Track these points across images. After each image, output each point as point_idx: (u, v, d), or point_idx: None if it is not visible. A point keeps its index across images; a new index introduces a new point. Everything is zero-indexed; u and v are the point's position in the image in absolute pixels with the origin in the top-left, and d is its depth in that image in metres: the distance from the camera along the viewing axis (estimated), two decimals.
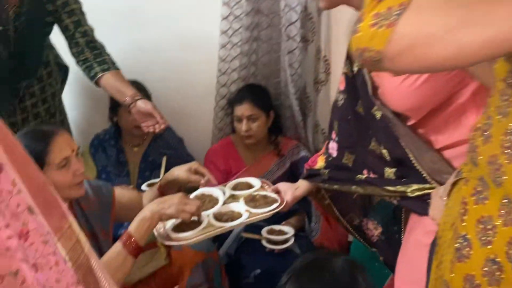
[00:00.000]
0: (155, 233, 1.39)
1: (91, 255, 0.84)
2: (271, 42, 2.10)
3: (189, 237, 1.37)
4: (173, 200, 1.34)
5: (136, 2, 2.26)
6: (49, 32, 1.82)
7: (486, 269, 0.71)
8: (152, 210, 1.32)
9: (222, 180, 2.03)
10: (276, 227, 1.96)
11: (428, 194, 1.12)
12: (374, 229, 1.55)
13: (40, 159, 1.28)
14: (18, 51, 1.71)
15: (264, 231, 1.91)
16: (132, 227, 1.31)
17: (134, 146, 2.19)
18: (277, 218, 1.95)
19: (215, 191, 1.58)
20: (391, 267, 1.53)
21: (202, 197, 1.54)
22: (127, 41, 2.30)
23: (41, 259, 0.65)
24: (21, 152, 0.72)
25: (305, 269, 0.96)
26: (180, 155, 2.24)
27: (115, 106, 2.08)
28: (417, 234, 1.18)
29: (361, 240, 1.60)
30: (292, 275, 0.96)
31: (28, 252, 0.62)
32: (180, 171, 1.56)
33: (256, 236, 1.92)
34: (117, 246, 1.29)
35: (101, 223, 1.52)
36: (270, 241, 1.88)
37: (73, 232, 0.79)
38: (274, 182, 2.04)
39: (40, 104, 1.87)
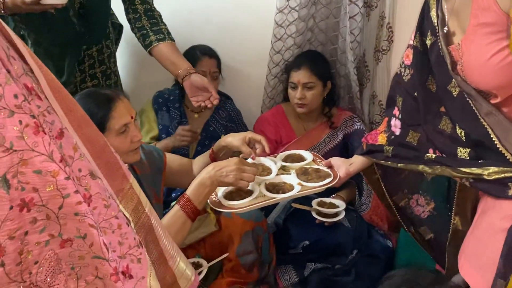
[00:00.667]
0: (208, 201, 1.39)
1: (151, 214, 0.84)
2: (331, 6, 1.99)
3: (241, 205, 1.37)
4: (231, 167, 1.32)
5: None
6: None
7: None
8: (211, 177, 1.31)
9: (272, 149, 2.00)
10: (327, 199, 1.92)
11: (509, 177, 1.03)
12: (426, 205, 1.50)
13: (101, 125, 1.29)
14: (86, 14, 1.72)
15: (314, 203, 1.87)
16: (190, 191, 1.31)
17: (195, 112, 2.16)
18: (327, 190, 1.90)
19: (266, 161, 1.55)
20: (438, 249, 1.49)
21: (254, 166, 1.51)
22: (179, 2, 2.26)
23: (104, 223, 0.65)
24: (82, 113, 0.71)
25: None
26: (240, 129, 2.22)
27: None
28: (492, 218, 1.10)
29: (401, 220, 1.57)
30: None
31: (93, 216, 0.61)
32: (233, 139, 1.53)
33: (306, 207, 1.89)
34: (176, 210, 1.29)
35: (153, 187, 1.53)
36: (320, 214, 1.85)
37: (134, 192, 0.80)
38: (325, 154, 2.02)
39: (97, 65, 1.89)
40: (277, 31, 2.00)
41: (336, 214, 1.85)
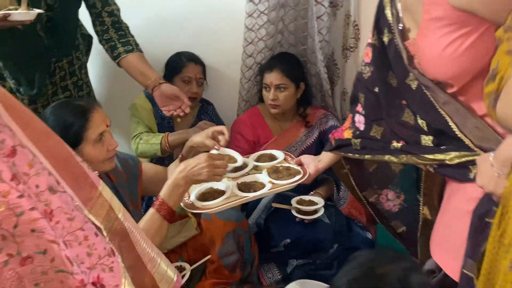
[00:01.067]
0: (181, 204, 1.41)
1: (125, 220, 0.83)
2: (298, 8, 2.03)
3: (214, 205, 1.40)
4: (202, 164, 1.34)
5: None
6: (79, 6, 1.82)
7: None
8: (184, 177, 1.33)
9: (250, 150, 2.03)
10: (306, 197, 1.95)
11: (470, 161, 1.08)
12: (396, 198, 1.55)
13: (78, 136, 1.31)
14: (54, 28, 1.71)
15: (293, 201, 1.90)
16: (164, 193, 1.32)
17: (177, 116, 1.99)
18: (306, 188, 1.94)
19: (231, 152, 1.59)
20: (410, 240, 1.53)
21: (221, 158, 1.53)
22: (150, 9, 2.26)
23: (69, 236, 0.66)
24: (40, 126, 0.70)
25: (360, 280, 0.89)
26: None
27: (169, 74, 2.08)
28: (458, 201, 1.15)
29: (374, 214, 1.61)
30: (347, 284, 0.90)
31: (55, 231, 0.62)
32: (198, 137, 1.55)
33: (285, 206, 1.92)
34: (152, 213, 1.31)
35: (130, 194, 1.55)
36: (300, 211, 1.88)
37: (104, 200, 0.79)
38: (302, 152, 2.05)
39: (68, 77, 1.88)
40: (248, 35, 2.02)
41: (316, 211, 1.88)
